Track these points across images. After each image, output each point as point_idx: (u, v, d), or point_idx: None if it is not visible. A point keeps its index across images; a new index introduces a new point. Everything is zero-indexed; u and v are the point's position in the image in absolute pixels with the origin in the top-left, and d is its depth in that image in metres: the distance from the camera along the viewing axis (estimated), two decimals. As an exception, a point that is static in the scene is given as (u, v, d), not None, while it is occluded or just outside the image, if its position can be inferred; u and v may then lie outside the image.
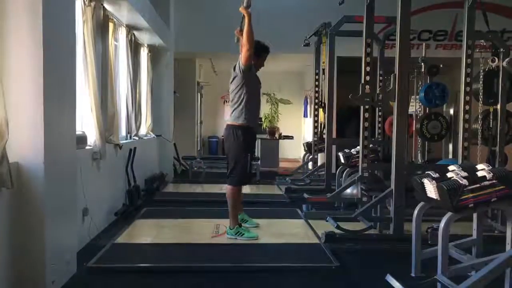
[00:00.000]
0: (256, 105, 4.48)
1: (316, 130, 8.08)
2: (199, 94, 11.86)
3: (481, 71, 4.77)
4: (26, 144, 2.83)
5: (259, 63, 4.51)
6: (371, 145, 5.27)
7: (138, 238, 4.54)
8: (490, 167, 2.72)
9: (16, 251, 2.80)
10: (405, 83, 4.25)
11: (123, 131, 6.07)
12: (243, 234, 4.35)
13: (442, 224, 2.68)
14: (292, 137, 12.27)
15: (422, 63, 5.91)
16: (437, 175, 2.81)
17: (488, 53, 4.83)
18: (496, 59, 4.67)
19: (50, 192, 2.94)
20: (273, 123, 12.03)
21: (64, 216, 3.25)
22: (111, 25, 5.07)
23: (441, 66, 5.83)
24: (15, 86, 2.79)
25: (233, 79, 4.38)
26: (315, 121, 8.11)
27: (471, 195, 2.60)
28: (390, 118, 6.15)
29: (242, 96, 4.31)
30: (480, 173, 2.67)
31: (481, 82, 4.74)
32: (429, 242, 3.59)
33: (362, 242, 4.26)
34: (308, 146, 8.61)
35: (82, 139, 4.11)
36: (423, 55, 6.02)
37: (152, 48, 7.54)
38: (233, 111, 4.38)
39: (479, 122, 4.88)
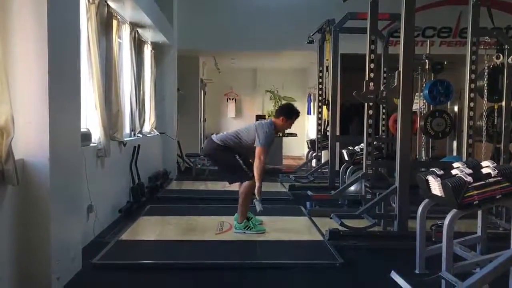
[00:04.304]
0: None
1: (319, 128, 8.07)
2: (202, 92, 11.86)
3: (486, 68, 4.75)
4: (32, 141, 2.84)
5: (286, 125, 4.61)
6: (375, 142, 5.25)
7: (143, 235, 4.56)
8: (495, 164, 2.71)
9: (21, 247, 2.81)
10: (409, 80, 4.24)
11: (127, 129, 6.09)
12: (251, 228, 4.40)
13: (446, 221, 2.68)
14: (296, 134, 12.24)
15: (426, 60, 5.89)
16: (441, 172, 2.80)
17: (492, 50, 4.81)
18: (501, 55, 4.66)
19: (55, 189, 2.95)
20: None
21: (69, 213, 3.27)
22: (115, 23, 5.07)
23: (445, 63, 5.81)
24: (20, 84, 2.80)
25: (255, 131, 4.40)
26: (319, 119, 8.09)
27: (475, 192, 2.59)
28: (394, 115, 6.14)
29: (245, 144, 4.40)
30: (484, 170, 2.67)
31: (485, 79, 4.72)
32: (433, 239, 3.58)
33: (366, 239, 4.25)
34: (312, 144, 8.60)
35: (86, 137, 4.12)
36: (427, 52, 5.99)
37: (155, 46, 7.55)
38: (232, 139, 4.43)
39: (484, 119, 4.87)
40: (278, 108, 4.76)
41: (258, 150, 4.32)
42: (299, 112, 4.67)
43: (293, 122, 4.64)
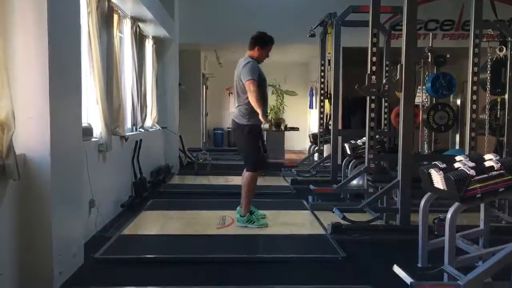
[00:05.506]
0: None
1: (321, 121, 8.05)
2: (204, 86, 11.84)
3: (489, 60, 4.72)
4: (33, 136, 2.84)
5: (263, 54, 4.49)
6: (377, 136, 5.24)
7: (145, 230, 4.56)
8: (498, 157, 2.70)
9: (23, 242, 2.81)
10: (411, 73, 4.21)
11: (128, 123, 6.08)
12: (254, 222, 4.41)
13: (449, 215, 2.67)
14: (298, 128, 12.24)
15: (429, 53, 5.86)
16: (444, 165, 2.79)
17: (495, 42, 4.78)
18: (504, 48, 4.63)
19: (57, 184, 2.95)
20: (278, 115, 12.00)
21: (70, 208, 3.27)
22: (115, 17, 5.05)
23: (448, 56, 5.77)
24: (21, 79, 2.79)
25: (239, 80, 4.36)
26: (321, 112, 8.07)
27: (478, 185, 2.58)
28: (397, 108, 6.12)
29: (247, 100, 4.31)
30: (487, 163, 2.66)
31: (488, 72, 4.70)
32: (436, 232, 3.57)
33: (368, 233, 4.24)
34: (314, 138, 8.59)
35: (88, 131, 4.12)
36: (430, 45, 5.96)
37: (157, 40, 7.53)
38: (239, 108, 4.39)
39: (487, 112, 4.84)
40: (251, 40, 4.49)
41: (246, 84, 4.24)
42: (272, 38, 4.51)
43: (269, 50, 4.50)
